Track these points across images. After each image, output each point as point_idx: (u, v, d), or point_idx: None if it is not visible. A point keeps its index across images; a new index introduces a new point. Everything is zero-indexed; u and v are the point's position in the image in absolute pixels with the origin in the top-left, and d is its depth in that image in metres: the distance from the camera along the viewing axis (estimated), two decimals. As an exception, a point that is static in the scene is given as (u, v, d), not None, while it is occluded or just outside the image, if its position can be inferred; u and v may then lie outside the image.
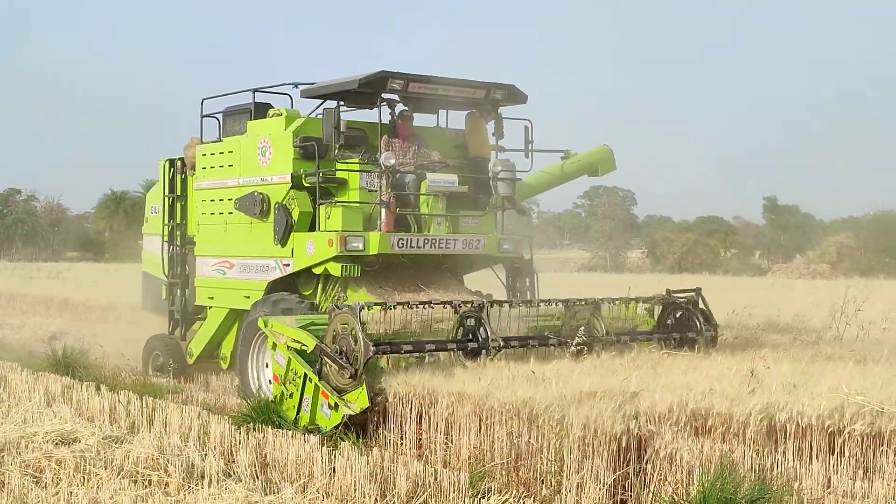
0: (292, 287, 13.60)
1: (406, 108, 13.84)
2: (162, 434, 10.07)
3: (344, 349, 10.58)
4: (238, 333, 13.94)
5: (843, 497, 7.97)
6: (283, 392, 11.16)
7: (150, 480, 8.58)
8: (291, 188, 13.42)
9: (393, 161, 12.83)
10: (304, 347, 11.07)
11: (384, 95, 13.26)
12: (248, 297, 13.84)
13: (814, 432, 8.51)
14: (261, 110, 14.43)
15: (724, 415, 8.75)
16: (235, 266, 14.38)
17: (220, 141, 14.98)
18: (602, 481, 8.31)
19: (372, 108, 13.55)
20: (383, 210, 12.85)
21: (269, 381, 12.45)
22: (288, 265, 13.42)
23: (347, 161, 13.11)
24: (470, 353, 11.23)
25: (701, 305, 12.89)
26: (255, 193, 13.81)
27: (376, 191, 13.00)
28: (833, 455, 8.42)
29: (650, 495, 8.15)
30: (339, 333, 10.69)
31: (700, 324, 12.76)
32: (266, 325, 11.66)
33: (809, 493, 7.97)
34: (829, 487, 8.13)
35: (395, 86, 13.05)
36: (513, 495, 8.39)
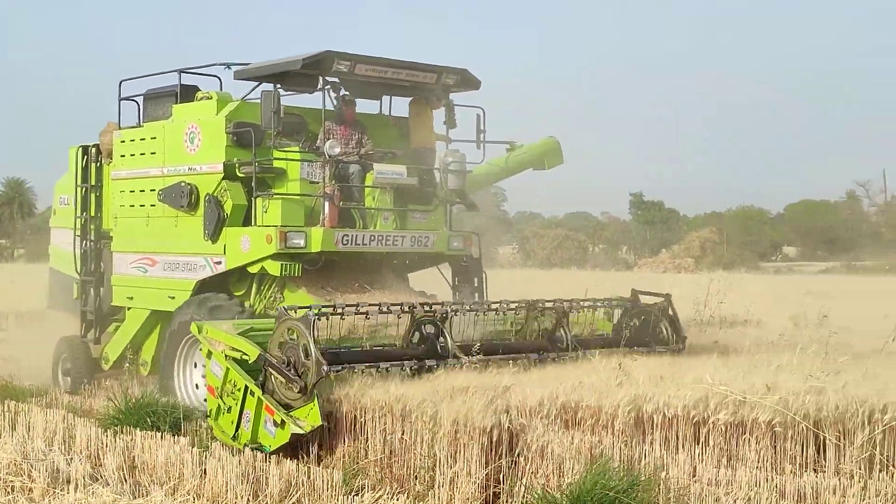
0: (223, 287, 12.49)
1: (348, 93, 12.87)
2: (25, 439, 9.78)
3: (292, 360, 9.48)
4: (161, 337, 12.99)
5: (708, 485, 8.19)
6: (220, 406, 10.01)
7: (13, 486, 8.32)
8: (224, 178, 12.30)
9: (338, 150, 11.93)
10: (245, 357, 9.95)
11: (328, 78, 12.32)
12: (174, 298, 12.76)
13: (680, 422, 8.73)
14: (187, 93, 13.24)
15: (594, 407, 8.91)
16: (158, 263, 13.22)
17: (141, 126, 13.77)
18: (474, 475, 8.36)
19: (312, 92, 12.58)
20: (327, 203, 11.85)
21: (196, 385, 11.89)
22: (220, 263, 12.32)
23: (287, 149, 12.06)
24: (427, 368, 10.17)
25: (670, 313, 12.22)
26: (182, 184, 12.66)
27: (318, 182, 12.03)
28: (698, 444, 8.66)
29: (522, 488, 8.24)
30: (287, 342, 9.60)
31: (669, 333, 12.10)
32: (200, 331, 10.51)
33: (676, 481, 8.16)
34: (694, 476, 8.34)
35: (342, 67, 11.94)
36: (386, 492, 8.40)
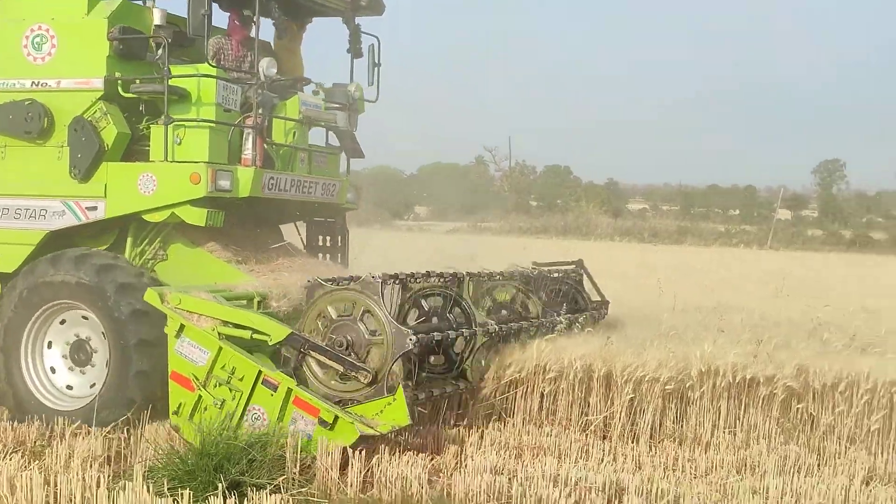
0: (70, 240, 9.72)
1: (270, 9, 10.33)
2: None
3: (351, 341, 7.82)
4: None
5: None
6: (199, 399, 7.97)
7: None
8: (100, 99, 9.58)
9: (275, 71, 9.77)
10: (258, 336, 7.99)
11: None
12: (4, 256, 9.78)
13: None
14: None
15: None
16: None
17: None
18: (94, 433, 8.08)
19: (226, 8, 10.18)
20: (255, 138, 9.59)
21: (52, 368, 9.32)
22: (95, 208, 9.55)
23: (209, 65, 9.61)
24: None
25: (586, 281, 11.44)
26: (28, 103, 9.71)
27: (232, 110, 9.67)
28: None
29: (145, 444, 8.04)
30: (335, 318, 7.91)
31: (588, 302, 11.23)
32: (165, 301, 8.22)
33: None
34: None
35: None
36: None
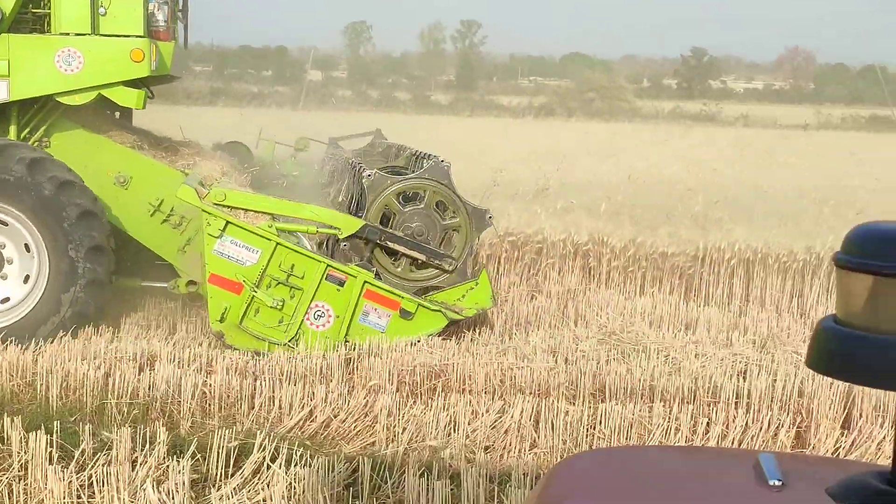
0: None
1: None
2: None
3: (425, 229, 7.67)
4: None
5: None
6: (251, 301, 7.35)
7: None
8: None
9: None
10: (329, 230, 7.59)
11: None
12: None
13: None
14: None
15: None
16: None
17: None
18: None
19: None
20: (170, 8, 8.48)
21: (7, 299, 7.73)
22: None
23: None
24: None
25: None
26: None
27: None
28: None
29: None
30: (404, 209, 7.70)
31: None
32: (204, 197, 7.34)
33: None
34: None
35: None
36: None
